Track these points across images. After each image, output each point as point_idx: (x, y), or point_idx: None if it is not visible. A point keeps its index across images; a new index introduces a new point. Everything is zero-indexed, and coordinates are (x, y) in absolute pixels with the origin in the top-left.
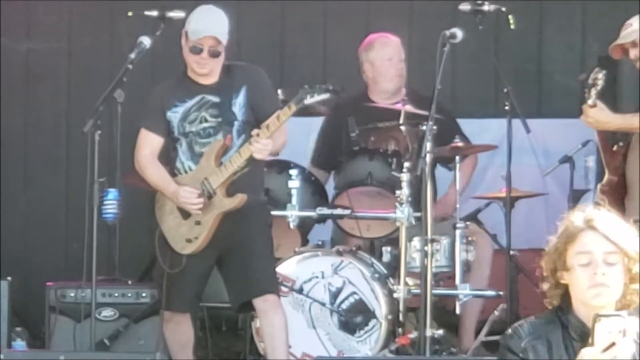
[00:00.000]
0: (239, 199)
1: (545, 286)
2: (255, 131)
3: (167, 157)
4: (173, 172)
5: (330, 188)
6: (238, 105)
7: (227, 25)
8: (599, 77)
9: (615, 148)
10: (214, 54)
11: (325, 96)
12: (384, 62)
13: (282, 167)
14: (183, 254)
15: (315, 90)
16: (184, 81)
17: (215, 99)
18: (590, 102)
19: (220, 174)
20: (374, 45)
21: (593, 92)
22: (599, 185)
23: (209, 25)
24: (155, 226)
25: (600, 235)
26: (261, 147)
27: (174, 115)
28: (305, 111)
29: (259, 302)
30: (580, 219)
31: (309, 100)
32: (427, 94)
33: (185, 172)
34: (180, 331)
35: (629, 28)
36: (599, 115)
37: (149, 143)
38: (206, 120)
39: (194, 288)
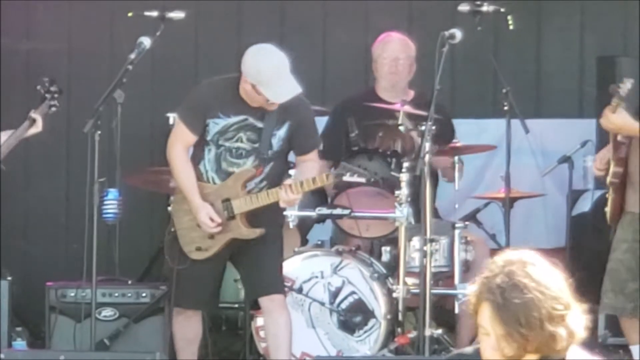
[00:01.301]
0: (257, 233)
1: None
2: (288, 182)
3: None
4: (195, 170)
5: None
6: (278, 137)
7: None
8: (627, 85)
9: (619, 138)
10: None
11: (362, 180)
12: (383, 59)
13: None
14: (189, 257)
15: (356, 172)
16: (234, 96)
17: (258, 124)
18: (612, 104)
19: (244, 203)
20: (379, 44)
21: (616, 98)
22: (608, 179)
23: (286, 92)
24: (154, 227)
25: (494, 317)
26: (289, 200)
27: (214, 125)
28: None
29: (265, 301)
30: (494, 277)
31: (347, 178)
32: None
33: (208, 180)
34: (189, 325)
35: None
36: (618, 120)
37: (184, 138)
38: (242, 141)
39: (209, 287)
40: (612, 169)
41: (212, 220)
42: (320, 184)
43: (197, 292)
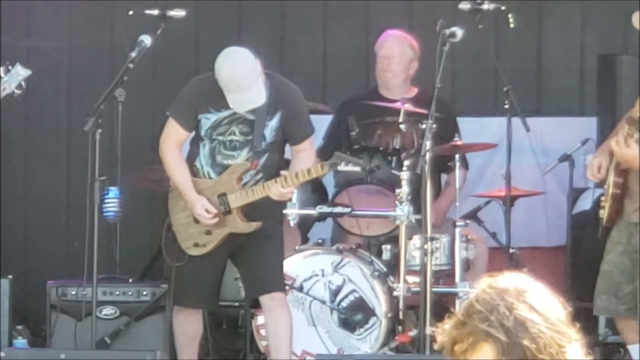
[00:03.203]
0: (254, 227)
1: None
2: (283, 174)
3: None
4: (191, 168)
5: (330, 186)
6: (270, 128)
7: (257, 77)
8: None
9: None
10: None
11: (357, 169)
12: (378, 57)
13: None
14: (187, 253)
15: (351, 161)
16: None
17: (249, 116)
18: (627, 132)
19: (240, 197)
20: (378, 41)
21: (633, 127)
22: (609, 189)
23: (243, 104)
24: (157, 223)
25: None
26: (284, 193)
27: (205, 120)
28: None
29: (265, 300)
30: (491, 310)
31: (342, 168)
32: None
33: (204, 176)
34: (190, 322)
35: None
36: (630, 154)
37: (176, 135)
38: (235, 134)
39: (208, 284)
40: (613, 178)
41: (208, 212)
42: (315, 175)
43: (197, 290)
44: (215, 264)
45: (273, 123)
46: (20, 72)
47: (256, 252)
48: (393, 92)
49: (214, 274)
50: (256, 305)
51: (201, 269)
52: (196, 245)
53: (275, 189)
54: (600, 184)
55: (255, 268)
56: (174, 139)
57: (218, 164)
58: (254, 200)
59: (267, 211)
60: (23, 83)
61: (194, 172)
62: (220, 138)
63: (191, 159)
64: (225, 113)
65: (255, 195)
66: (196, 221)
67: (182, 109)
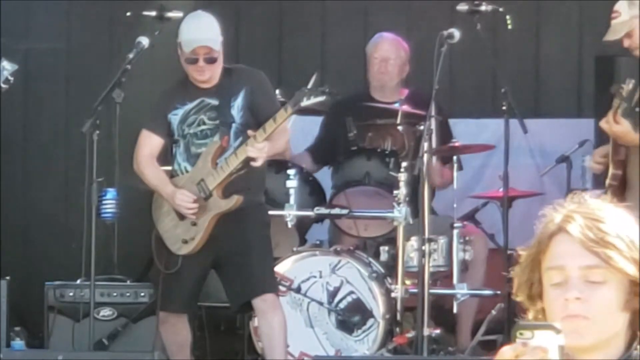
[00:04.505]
0: (235, 200)
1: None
2: (250, 132)
3: (166, 159)
4: (170, 174)
5: (328, 188)
6: (236, 107)
7: (218, 30)
8: (630, 87)
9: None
10: (210, 61)
11: (321, 99)
12: (373, 59)
13: (279, 166)
14: (179, 255)
15: (312, 93)
16: (185, 84)
17: (214, 101)
18: (619, 112)
19: (217, 175)
20: (371, 44)
21: (618, 98)
22: (607, 181)
23: (200, 35)
24: (152, 227)
25: (576, 240)
26: (257, 151)
27: (174, 117)
28: (304, 110)
29: (257, 302)
30: (560, 215)
31: (305, 103)
32: (428, 96)
33: (182, 173)
34: (176, 332)
35: (618, 18)
36: (619, 130)
37: (149, 144)
38: (204, 123)
39: (190, 289)
40: (611, 170)
41: (188, 199)
42: (281, 120)
43: (181, 294)
44: (200, 267)
45: (238, 102)
46: (6, 67)
47: (245, 256)
48: (386, 94)
49: (198, 277)
50: (242, 310)
51: (186, 272)
52: (185, 242)
53: (247, 150)
54: (599, 185)
55: (245, 272)
56: (147, 148)
57: (193, 155)
58: (230, 172)
59: (253, 214)
60: (10, 78)
61: (173, 174)
62: (192, 130)
63: (171, 168)
64: (190, 105)
65: (230, 166)
66: (181, 219)
67: (152, 116)
